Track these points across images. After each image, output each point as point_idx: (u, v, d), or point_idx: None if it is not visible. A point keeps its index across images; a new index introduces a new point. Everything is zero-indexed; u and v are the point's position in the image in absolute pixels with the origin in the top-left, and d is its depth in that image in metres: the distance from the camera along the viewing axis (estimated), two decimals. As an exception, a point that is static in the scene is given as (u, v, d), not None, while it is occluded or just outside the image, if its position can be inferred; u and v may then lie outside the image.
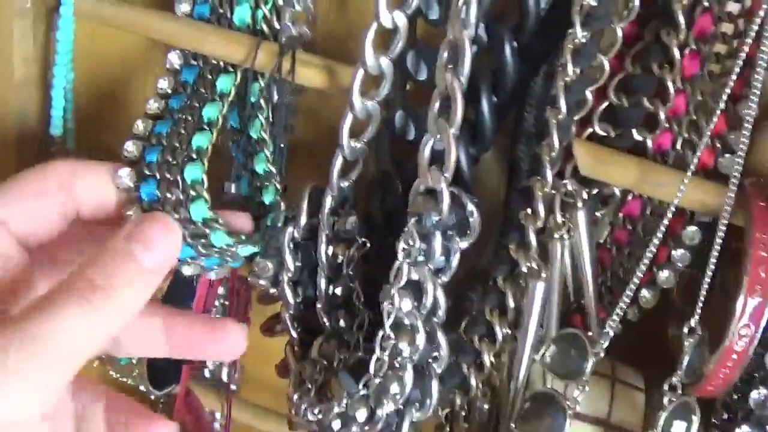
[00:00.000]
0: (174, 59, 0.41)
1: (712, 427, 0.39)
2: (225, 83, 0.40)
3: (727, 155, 0.37)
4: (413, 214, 0.35)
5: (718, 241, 0.35)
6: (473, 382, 0.39)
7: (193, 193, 0.37)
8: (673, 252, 0.39)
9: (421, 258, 0.36)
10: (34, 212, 0.35)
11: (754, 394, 0.37)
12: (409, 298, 0.36)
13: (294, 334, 0.42)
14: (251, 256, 0.39)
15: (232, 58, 0.39)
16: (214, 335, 0.37)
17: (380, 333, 0.36)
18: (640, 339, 0.42)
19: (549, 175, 0.36)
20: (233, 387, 0.50)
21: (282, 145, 0.40)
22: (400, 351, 0.36)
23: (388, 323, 0.36)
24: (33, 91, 0.43)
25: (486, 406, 0.40)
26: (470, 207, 0.36)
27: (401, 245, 0.35)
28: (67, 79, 0.42)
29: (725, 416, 0.39)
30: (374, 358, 0.36)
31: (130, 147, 0.38)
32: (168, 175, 0.37)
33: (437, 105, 0.35)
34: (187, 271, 0.39)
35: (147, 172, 0.37)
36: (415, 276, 0.36)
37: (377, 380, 0.36)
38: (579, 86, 0.35)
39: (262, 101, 0.39)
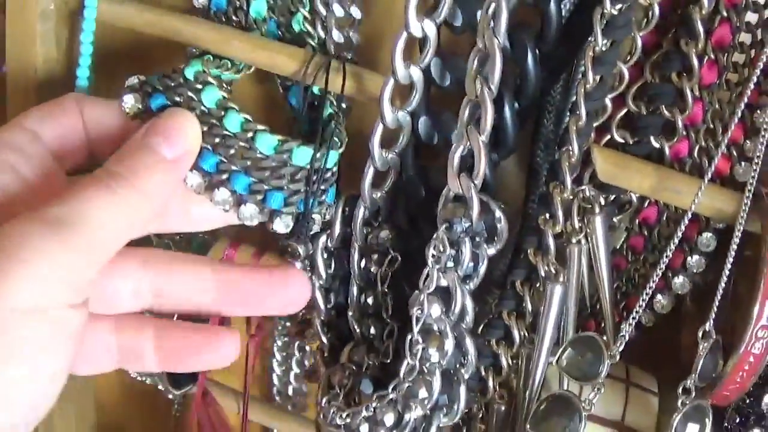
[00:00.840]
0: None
1: (726, 431, 0.41)
2: None
3: (743, 164, 0.38)
4: (443, 220, 0.37)
5: (734, 247, 0.36)
6: (490, 384, 0.41)
7: (199, 85, 0.38)
8: (689, 258, 0.41)
9: (450, 264, 0.37)
10: (63, 129, 0.37)
11: (767, 398, 0.39)
12: (438, 304, 0.37)
13: (324, 339, 0.43)
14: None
15: (264, 65, 0.41)
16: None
17: (409, 337, 0.38)
18: (655, 344, 0.44)
19: (568, 180, 0.38)
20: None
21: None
22: (429, 356, 0.38)
23: (416, 329, 0.38)
24: (56, 93, 0.45)
25: (503, 408, 0.42)
26: (498, 213, 0.38)
27: (431, 251, 0.37)
28: (90, 80, 0.43)
29: (737, 420, 0.41)
30: (405, 363, 0.38)
31: (133, 80, 0.39)
32: (170, 82, 0.38)
33: (467, 113, 0.37)
34: (245, 214, 0.38)
35: (150, 90, 0.38)
36: (443, 282, 0.38)
37: (406, 385, 0.38)
38: (598, 93, 0.37)
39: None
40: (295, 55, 0.40)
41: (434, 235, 0.36)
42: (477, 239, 0.38)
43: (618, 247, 0.43)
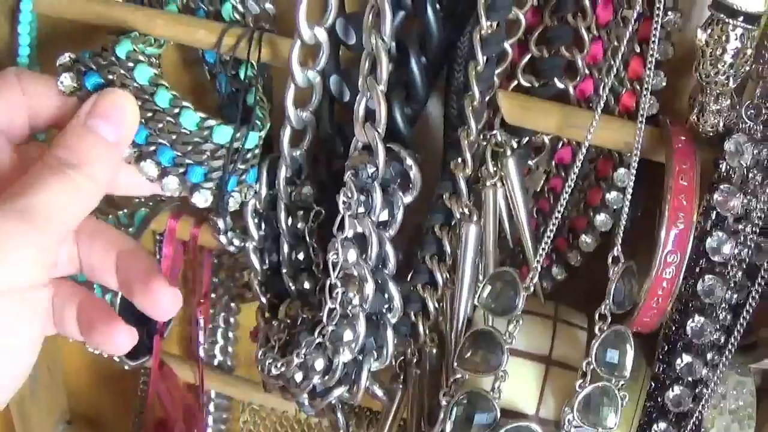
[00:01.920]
0: None
1: (657, 360, 0.44)
2: None
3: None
4: (350, 168, 0.41)
5: (632, 173, 0.40)
6: (421, 328, 0.45)
7: (131, 63, 0.43)
8: (607, 195, 0.45)
9: (361, 210, 0.41)
10: (8, 105, 0.40)
11: (691, 323, 0.42)
12: (353, 249, 0.42)
13: (263, 299, 0.48)
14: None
15: (186, 40, 0.46)
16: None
17: (328, 282, 0.42)
18: (590, 285, 0.47)
19: (473, 124, 0.41)
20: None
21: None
22: (350, 300, 0.42)
23: (334, 274, 0.42)
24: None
25: (434, 351, 0.45)
26: (408, 161, 0.42)
27: (341, 198, 0.41)
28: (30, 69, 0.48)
29: (666, 348, 0.44)
30: (327, 307, 0.42)
31: (64, 59, 0.43)
32: (102, 61, 0.42)
33: (367, 65, 0.41)
34: (168, 186, 0.42)
35: (84, 69, 0.42)
36: (360, 229, 0.42)
37: (330, 328, 0.42)
38: (494, 39, 0.41)
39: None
40: (214, 28, 0.45)
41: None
42: (391, 187, 0.42)
43: (539, 190, 0.46)
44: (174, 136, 0.43)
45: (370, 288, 0.42)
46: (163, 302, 0.39)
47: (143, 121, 0.42)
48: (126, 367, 0.55)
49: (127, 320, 0.40)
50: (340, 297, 0.41)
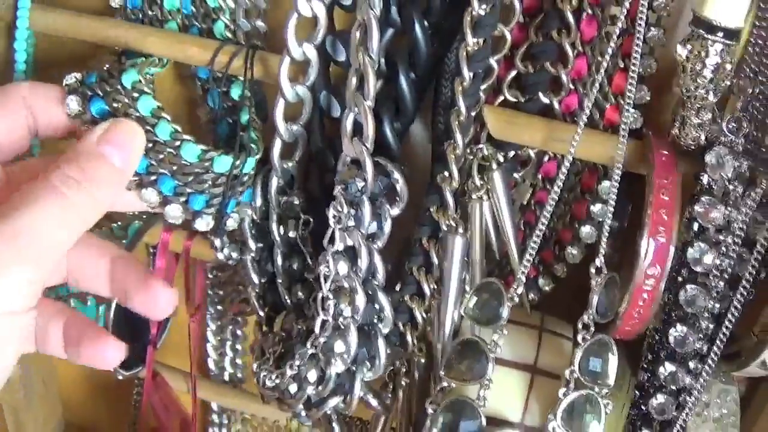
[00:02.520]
0: None
1: (641, 369, 0.46)
2: None
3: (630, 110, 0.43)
4: (339, 182, 0.42)
5: (614, 185, 0.41)
6: (409, 338, 0.46)
7: (135, 93, 0.44)
8: (592, 207, 0.46)
9: (351, 223, 0.42)
10: (6, 125, 0.41)
11: (673, 332, 0.43)
12: (344, 262, 0.43)
13: (261, 312, 0.49)
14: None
15: (179, 58, 0.47)
16: (145, 290, 0.41)
17: (320, 295, 0.43)
18: (575, 298, 0.48)
19: (459, 138, 0.43)
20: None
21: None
22: (341, 311, 0.43)
23: (326, 286, 0.43)
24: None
25: (423, 361, 0.46)
26: (396, 175, 0.43)
27: (331, 212, 0.42)
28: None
29: (650, 357, 0.45)
30: (319, 319, 0.43)
31: (71, 79, 0.44)
32: (108, 88, 0.43)
33: (354, 82, 0.42)
34: (170, 214, 0.43)
35: (90, 93, 0.43)
36: (350, 242, 0.43)
37: (322, 339, 0.43)
38: (480, 55, 0.42)
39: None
40: (207, 45, 0.46)
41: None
42: (379, 200, 0.43)
43: (526, 203, 0.48)
44: (175, 167, 0.44)
45: (361, 299, 0.43)
46: (161, 300, 0.41)
47: (144, 151, 0.43)
48: (119, 377, 0.56)
49: (121, 332, 0.41)
50: (332, 309, 0.43)
